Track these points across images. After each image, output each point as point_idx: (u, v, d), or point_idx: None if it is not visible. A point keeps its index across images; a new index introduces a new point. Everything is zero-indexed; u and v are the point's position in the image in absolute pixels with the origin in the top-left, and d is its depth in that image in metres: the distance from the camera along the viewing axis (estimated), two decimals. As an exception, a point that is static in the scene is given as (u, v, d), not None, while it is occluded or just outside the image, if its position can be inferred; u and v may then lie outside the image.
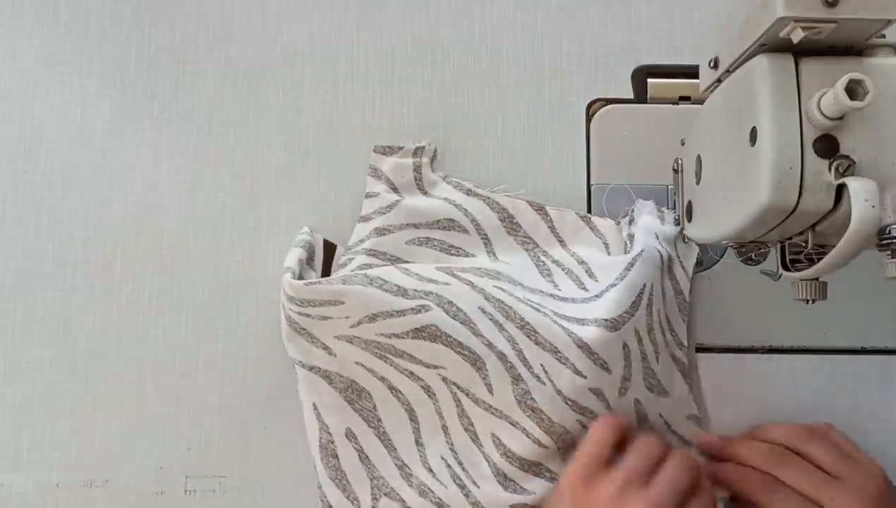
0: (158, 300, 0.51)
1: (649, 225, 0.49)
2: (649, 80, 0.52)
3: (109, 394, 0.50)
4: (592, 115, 0.53)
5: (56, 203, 0.52)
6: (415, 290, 0.45)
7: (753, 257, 0.50)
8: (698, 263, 0.50)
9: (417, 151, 0.51)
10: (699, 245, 0.49)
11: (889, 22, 0.33)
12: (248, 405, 0.50)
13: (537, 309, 0.46)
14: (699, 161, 0.43)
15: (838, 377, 0.49)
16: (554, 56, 0.53)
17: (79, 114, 0.53)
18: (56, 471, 0.49)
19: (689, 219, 0.45)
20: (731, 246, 0.47)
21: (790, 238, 0.38)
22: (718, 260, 0.51)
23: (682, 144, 0.47)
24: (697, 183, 0.43)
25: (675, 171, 0.48)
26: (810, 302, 0.39)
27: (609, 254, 0.49)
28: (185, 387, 0.50)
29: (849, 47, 0.35)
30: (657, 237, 0.48)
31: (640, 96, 0.52)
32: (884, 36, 0.35)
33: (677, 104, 0.52)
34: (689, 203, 0.45)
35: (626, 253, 0.49)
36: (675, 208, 0.49)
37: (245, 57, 0.53)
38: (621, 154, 0.52)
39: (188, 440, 0.50)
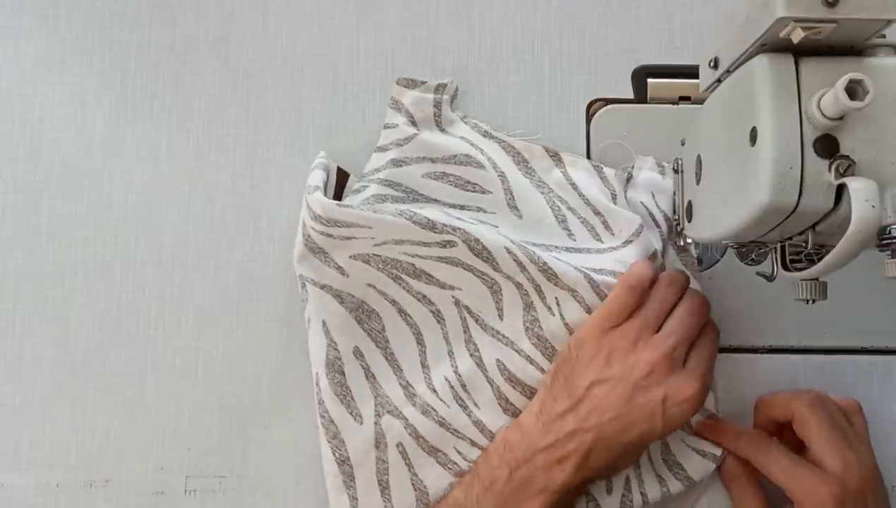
0: (158, 300, 0.51)
1: (650, 181, 0.50)
2: (649, 80, 0.52)
3: (109, 394, 0.50)
4: (592, 115, 0.53)
5: (56, 203, 0.52)
6: (443, 225, 0.46)
7: (753, 257, 0.50)
8: (698, 263, 0.50)
9: (439, 88, 0.52)
10: (699, 244, 0.49)
11: (889, 22, 0.33)
12: (248, 405, 0.50)
13: (558, 259, 0.46)
14: (699, 161, 0.43)
15: (838, 377, 0.49)
16: (554, 56, 0.53)
17: (79, 114, 0.53)
18: (56, 471, 0.49)
19: (689, 219, 0.45)
20: (731, 246, 0.47)
21: (790, 238, 0.38)
22: (718, 260, 0.51)
23: (682, 144, 0.47)
24: (697, 183, 0.43)
25: (675, 171, 0.48)
26: (810, 302, 0.38)
27: (616, 204, 0.50)
28: (185, 387, 0.50)
29: (849, 47, 0.34)
30: (653, 195, 0.50)
31: (640, 96, 0.52)
32: (884, 36, 0.34)
33: (677, 104, 0.52)
34: (689, 203, 0.45)
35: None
36: (674, 209, 0.49)
37: (245, 57, 0.53)
38: (621, 154, 0.52)
39: (188, 440, 0.50)
